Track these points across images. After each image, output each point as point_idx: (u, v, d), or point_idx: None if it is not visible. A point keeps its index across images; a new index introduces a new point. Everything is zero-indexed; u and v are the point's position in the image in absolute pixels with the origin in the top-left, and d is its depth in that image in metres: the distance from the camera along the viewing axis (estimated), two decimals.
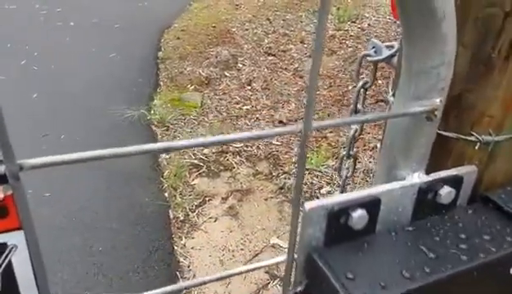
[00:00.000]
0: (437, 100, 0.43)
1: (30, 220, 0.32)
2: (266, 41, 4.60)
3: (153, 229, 2.45)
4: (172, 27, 4.97)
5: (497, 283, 0.49)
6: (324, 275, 0.43)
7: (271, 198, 2.66)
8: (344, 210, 0.45)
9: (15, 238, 0.35)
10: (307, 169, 2.82)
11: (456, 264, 0.44)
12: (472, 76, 0.48)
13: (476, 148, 0.51)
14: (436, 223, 0.50)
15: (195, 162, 2.96)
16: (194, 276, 2.18)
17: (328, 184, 2.73)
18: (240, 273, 0.54)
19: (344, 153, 0.78)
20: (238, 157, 2.95)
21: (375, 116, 0.43)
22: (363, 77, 0.71)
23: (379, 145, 2.65)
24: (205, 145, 0.35)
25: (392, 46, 0.66)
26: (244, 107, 3.48)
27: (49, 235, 2.31)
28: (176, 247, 2.35)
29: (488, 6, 0.44)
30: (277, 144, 3.08)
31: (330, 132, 3.14)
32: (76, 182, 2.67)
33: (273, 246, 2.38)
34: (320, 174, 2.79)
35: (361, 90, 0.71)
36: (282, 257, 0.48)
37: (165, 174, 2.86)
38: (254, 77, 3.90)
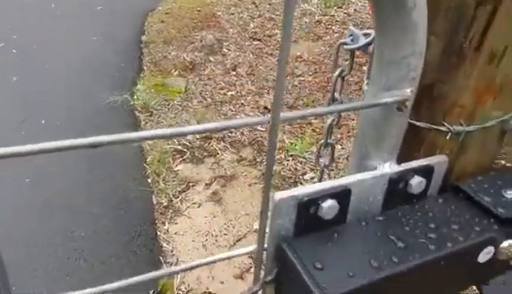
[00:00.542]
0: (408, 91, 0.43)
1: None
2: (251, 25, 4.55)
3: (135, 214, 2.44)
4: (157, 10, 4.87)
5: (465, 272, 0.50)
6: (292, 265, 0.43)
7: (255, 183, 2.67)
8: (314, 200, 0.45)
9: None
10: (292, 155, 2.83)
11: (424, 253, 0.45)
12: (444, 66, 0.48)
13: (447, 138, 0.51)
14: (406, 212, 0.50)
15: (179, 147, 2.94)
16: (177, 261, 2.19)
17: (311, 170, 2.74)
18: (222, 259, 0.53)
19: (322, 141, 0.77)
20: (222, 143, 2.94)
21: (346, 106, 0.43)
22: (340, 66, 0.71)
23: None
24: (166, 137, 0.34)
25: (369, 34, 0.65)
26: (229, 93, 3.45)
27: (29, 221, 2.28)
28: (159, 233, 2.35)
29: None
30: (262, 130, 3.08)
31: (315, 119, 3.14)
32: (57, 166, 2.62)
33: (256, 231, 2.39)
34: (304, 160, 2.80)
35: (339, 78, 0.71)
36: (254, 247, 0.48)
37: (148, 160, 2.83)
38: (239, 63, 3.86)
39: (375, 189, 0.49)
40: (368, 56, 0.65)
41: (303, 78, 3.64)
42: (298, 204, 0.45)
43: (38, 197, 2.43)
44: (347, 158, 2.82)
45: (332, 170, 2.69)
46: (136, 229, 2.36)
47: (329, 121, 0.76)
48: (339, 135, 2.97)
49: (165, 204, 2.55)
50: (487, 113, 0.51)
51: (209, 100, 3.35)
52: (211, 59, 3.88)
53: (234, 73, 3.71)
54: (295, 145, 2.86)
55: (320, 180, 0.88)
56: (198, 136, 3.02)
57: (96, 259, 2.13)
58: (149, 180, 2.70)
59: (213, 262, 0.47)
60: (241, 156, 2.86)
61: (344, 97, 0.77)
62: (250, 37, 4.33)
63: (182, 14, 4.76)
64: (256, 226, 2.42)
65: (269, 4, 4.98)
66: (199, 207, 2.53)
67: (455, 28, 0.45)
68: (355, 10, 4.83)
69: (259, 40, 4.28)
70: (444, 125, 0.50)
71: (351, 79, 3.30)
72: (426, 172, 0.50)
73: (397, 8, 0.39)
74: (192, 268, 0.45)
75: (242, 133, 3.05)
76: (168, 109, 3.24)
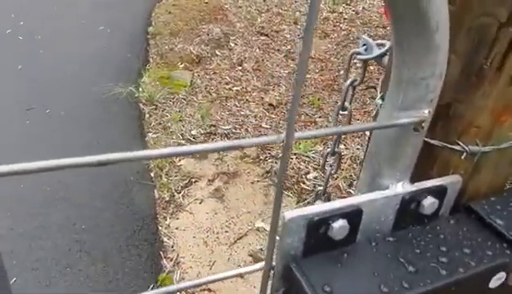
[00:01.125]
0: (426, 112, 0.42)
1: None
2: (259, 20, 4.52)
3: (137, 208, 2.44)
4: (164, 1, 4.84)
5: None
6: (300, 286, 0.43)
7: (258, 181, 2.66)
8: (325, 220, 0.44)
9: None
10: (295, 154, 2.82)
11: (435, 279, 0.44)
12: (462, 86, 0.47)
13: (462, 157, 0.50)
14: (417, 234, 0.49)
15: (183, 142, 2.93)
16: (177, 256, 2.19)
17: (315, 169, 2.73)
18: (231, 276, 0.52)
19: (329, 150, 0.76)
20: (226, 139, 2.93)
21: (361, 127, 0.41)
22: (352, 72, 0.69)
23: (368, 133, 2.65)
24: (178, 155, 0.33)
25: (383, 45, 0.64)
26: (234, 88, 3.44)
27: (31, 213, 2.29)
28: (160, 227, 2.35)
29: (483, 15, 0.42)
30: (266, 128, 3.07)
31: (319, 117, 3.13)
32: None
33: (258, 229, 2.39)
34: (307, 159, 2.79)
35: (350, 87, 0.69)
36: (260, 265, 0.47)
37: None
38: (246, 58, 3.84)
39: (387, 208, 0.48)
40: (382, 68, 0.64)
41: (309, 76, 3.61)
42: (308, 224, 0.44)
43: (39, 190, 2.44)
44: (350, 159, 2.81)
45: (336, 177, 2.67)
46: (137, 224, 2.36)
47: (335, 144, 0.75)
48: (343, 135, 2.95)
49: (167, 199, 2.54)
50: (503, 134, 0.49)
51: (214, 94, 3.34)
52: (217, 53, 3.86)
53: (240, 68, 3.69)
54: (299, 144, 2.84)
55: (325, 188, 0.87)
56: (202, 132, 3.01)
57: (97, 251, 2.14)
58: (151, 174, 2.70)
59: (222, 279, 0.46)
60: (245, 153, 2.85)
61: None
62: (257, 31, 4.30)
63: (190, 6, 4.73)
64: (258, 224, 2.42)
65: None
66: (201, 203, 2.53)
67: (476, 48, 0.44)
68: (363, 8, 4.79)
69: (266, 35, 4.25)
70: (459, 144, 0.49)
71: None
72: (439, 193, 0.49)
73: (418, 28, 0.38)
74: (200, 285, 0.44)
75: (247, 130, 3.04)
76: (173, 103, 3.23)
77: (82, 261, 2.06)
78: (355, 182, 2.60)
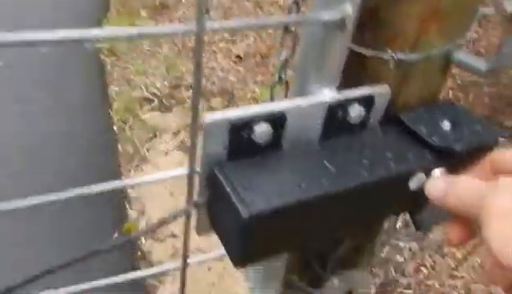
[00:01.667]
0: (348, 7, 0.41)
1: None
2: None
3: (101, 160, 2.40)
4: None
5: (396, 199, 0.50)
6: (222, 187, 0.43)
7: None
8: (247, 123, 0.44)
9: None
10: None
11: (355, 177, 0.45)
12: None
13: (390, 67, 0.50)
14: (344, 141, 0.50)
15: (147, 95, 2.86)
16: (143, 206, 2.19)
17: None
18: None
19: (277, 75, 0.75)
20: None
21: (277, 21, 0.40)
22: None
23: None
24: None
25: None
26: None
27: None
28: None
29: None
30: (233, 81, 3.03)
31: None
32: (18, 110, 2.53)
33: None
34: None
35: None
36: (184, 170, 0.47)
37: (114, 107, 2.76)
38: (213, 6, 3.72)
39: (313, 116, 0.48)
40: None
41: None
42: (230, 127, 0.43)
43: None
44: None
45: None
46: (100, 176, 2.33)
47: (283, 55, 0.73)
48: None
49: (131, 152, 2.51)
50: (430, 41, 0.50)
51: (180, 45, 3.24)
52: (183, 0, 3.72)
53: (206, 16, 3.57)
54: (266, 95, 2.83)
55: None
56: (167, 84, 2.94)
57: (58, 203, 2.10)
58: (115, 128, 2.65)
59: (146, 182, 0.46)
60: (211, 106, 2.82)
61: None
62: None
63: None
64: None
65: None
66: (166, 155, 2.51)
67: None
68: None
69: None
70: (387, 52, 0.49)
71: None
72: (366, 102, 0.50)
73: None
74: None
75: (213, 83, 3.00)
76: (137, 54, 3.12)
77: (42, 216, 2.03)
78: None
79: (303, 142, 0.48)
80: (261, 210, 0.40)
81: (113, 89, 2.85)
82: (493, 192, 0.35)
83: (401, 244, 2.18)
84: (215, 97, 2.88)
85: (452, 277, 2.00)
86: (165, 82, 2.93)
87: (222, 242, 0.47)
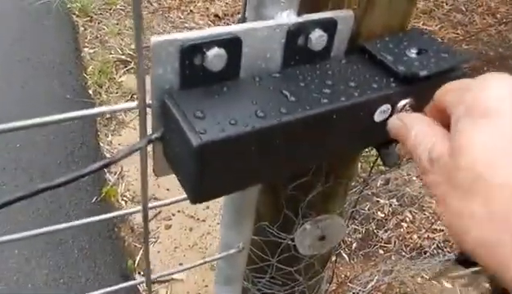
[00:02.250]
0: None
1: None
2: None
3: (77, 126, 2.34)
4: None
5: (361, 131, 0.49)
6: (173, 117, 0.40)
7: None
8: (199, 47, 0.41)
9: None
10: None
11: (315, 106, 0.43)
12: None
13: None
14: (305, 71, 0.47)
15: (123, 57, 2.77)
16: (121, 169, 2.16)
17: None
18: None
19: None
20: None
21: None
22: None
23: None
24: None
25: None
26: None
27: None
28: (102, 144, 2.29)
29: None
30: None
31: None
32: None
33: None
34: None
35: None
36: (135, 103, 0.44)
37: (89, 70, 2.67)
38: None
39: (272, 42, 0.45)
40: None
41: None
42: (180, 51, 0.40)
43: None
44: None
45: None
46: (78, 140, 2.27)
47: None
48: None
49: (108, 116, 2.45)
50: None
51: (156, 4, 3.12)
52: None
53: None
54: None
55: None
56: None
57: (35, 169, 2.06)
58: (90, 91, 2.57)
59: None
60: None
61: None
62: None
63: None
64: None
65: None
66: None
67: None
68: None
69: None
70: None
71: None
72: (328, 26, 0.47)
73: None
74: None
75: None
76: (110, 14, 3.00)
77: (18, 178, 1.99)
78: None
79: (262, 71, 0.46)
80: (213, 139, 0.38)
81: (87, 51, 2.75)
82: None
83: (382, 201, 2.21)
84: None
85: (432, 230, 2.05)
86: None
87: (179, 180, 0.45)
